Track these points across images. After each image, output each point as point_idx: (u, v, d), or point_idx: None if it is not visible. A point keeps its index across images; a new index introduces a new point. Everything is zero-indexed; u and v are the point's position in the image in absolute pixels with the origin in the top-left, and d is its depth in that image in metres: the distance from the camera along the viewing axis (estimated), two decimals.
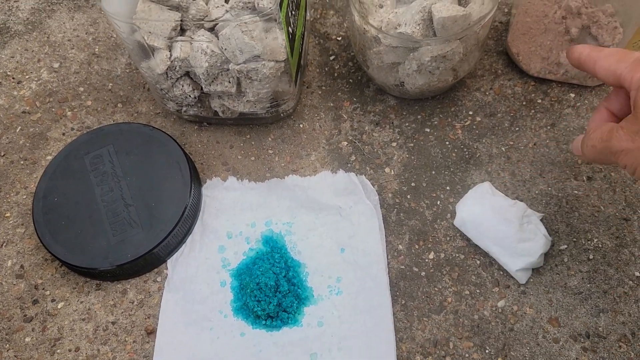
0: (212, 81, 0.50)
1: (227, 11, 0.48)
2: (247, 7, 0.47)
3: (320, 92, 0.58)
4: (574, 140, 0.42)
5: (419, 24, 0.46)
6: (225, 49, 0.47)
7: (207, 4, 0.49)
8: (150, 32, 0.48)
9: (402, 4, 0.50)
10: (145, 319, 0.47)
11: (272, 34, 0.47)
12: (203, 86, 0.51)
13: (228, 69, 0.49)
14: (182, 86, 0.51)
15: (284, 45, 0.48)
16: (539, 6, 0.53)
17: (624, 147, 0.34)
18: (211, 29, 0.49)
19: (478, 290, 0.47)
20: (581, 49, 0.39)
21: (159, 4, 0.48)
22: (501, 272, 0.47)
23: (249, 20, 0.46)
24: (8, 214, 0.53)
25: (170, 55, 0.49)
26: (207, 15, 0.49)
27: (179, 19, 0.48)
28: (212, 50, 0.47)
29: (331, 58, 0.60)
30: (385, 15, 0.49)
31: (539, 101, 0.55)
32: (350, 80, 0.58)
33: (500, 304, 0.46)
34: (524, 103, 0.55)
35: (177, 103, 0.54)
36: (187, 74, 0.51)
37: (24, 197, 0.54)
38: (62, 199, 0.51)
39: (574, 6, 0.51)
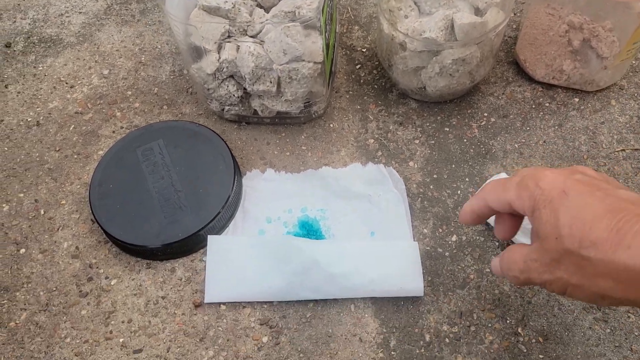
0: (256, 81, 0.56)
1: (268, 20, 0.55)
2: (287, 16, 0.53)
3: (347, 97, 0.64)
4: (492, 260, 0.40)
5: (442, 30, 0.52)
6: (270, 51, 0.53)
7: (250, 14, 0.56)
8: (202, 37, 0.54)
9: (424, 15, 0.56)
10: (193, 293, 0.51)
11: (311, 38, 0.54)
12: (247, 86, 0.56)
13: (271, 69, 0.55)
14: (227, 86, 0.57)
15: (321, 48, 0.54)
16: (545, 20, 0.60)
17: (545, 280, 0.34)
18: (253, 37, 0.55)
19: None
20: (468, 209, 0.40)
21: (210, 13, 0.55)
22: None
23: (292, 25, 0.52)
24: (64, 202, 0.58)
25: (219, 57, 0.55)
26: (250, 23, 0.55)
27: (227, 25, 0.54)
28: (259, 52, 0.53)
29: (357, 67, 0.66)
30: (411, 24, 0.55)
31: (547, 105, 0.61)
32: (375, 86, 0.64)
33: None
34: (533, 106, 0.61)
35: (220, 102, 0.59)
36: (232, 76, 0.57)
37: (78, 186, 0.59)
38: (117, 186, 0.55)
39: (577, 22, 0.58)
